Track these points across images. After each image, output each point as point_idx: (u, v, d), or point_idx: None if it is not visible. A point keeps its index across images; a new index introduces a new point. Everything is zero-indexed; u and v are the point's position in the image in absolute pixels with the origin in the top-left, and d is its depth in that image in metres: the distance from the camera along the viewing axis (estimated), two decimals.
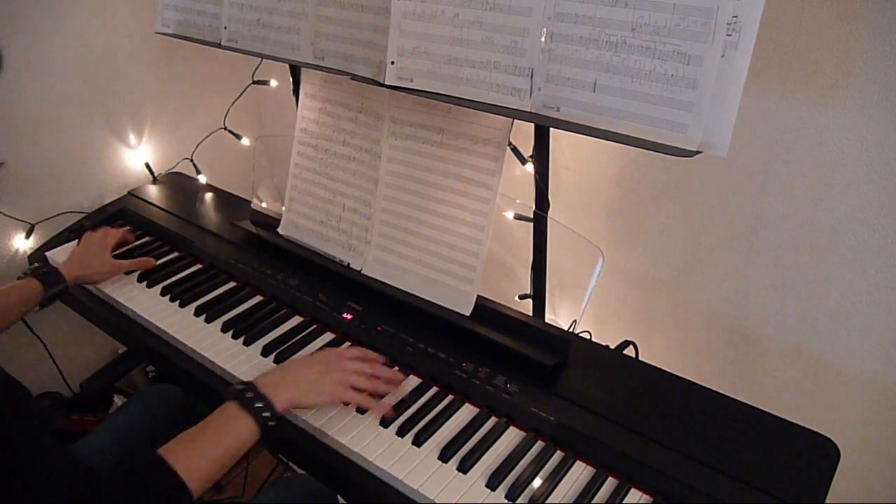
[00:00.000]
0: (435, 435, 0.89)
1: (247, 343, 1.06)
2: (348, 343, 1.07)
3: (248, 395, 0.81)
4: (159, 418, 1.19)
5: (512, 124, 0.98)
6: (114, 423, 1.17)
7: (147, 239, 1.38)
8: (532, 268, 1.17)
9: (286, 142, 1.29)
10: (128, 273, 1.24)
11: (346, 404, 0.92)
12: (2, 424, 0.63)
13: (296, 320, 1.12)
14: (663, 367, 0.99)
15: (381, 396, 0.93)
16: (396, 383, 0.95)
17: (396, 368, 1.00)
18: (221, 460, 0.77)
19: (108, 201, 1.55)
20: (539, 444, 0.88)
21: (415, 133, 1.09)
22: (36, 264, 1.16)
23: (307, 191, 1.25)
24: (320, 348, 1.05)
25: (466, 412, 0.93)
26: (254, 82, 1.55)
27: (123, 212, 1.47)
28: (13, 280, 1.13)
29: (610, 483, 0.82)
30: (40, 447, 0.65)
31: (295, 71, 1.36)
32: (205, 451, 0.76)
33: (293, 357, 1.01)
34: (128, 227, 1.39)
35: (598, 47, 0.79)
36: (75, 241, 1.37)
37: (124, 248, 1.32)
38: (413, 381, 0.99)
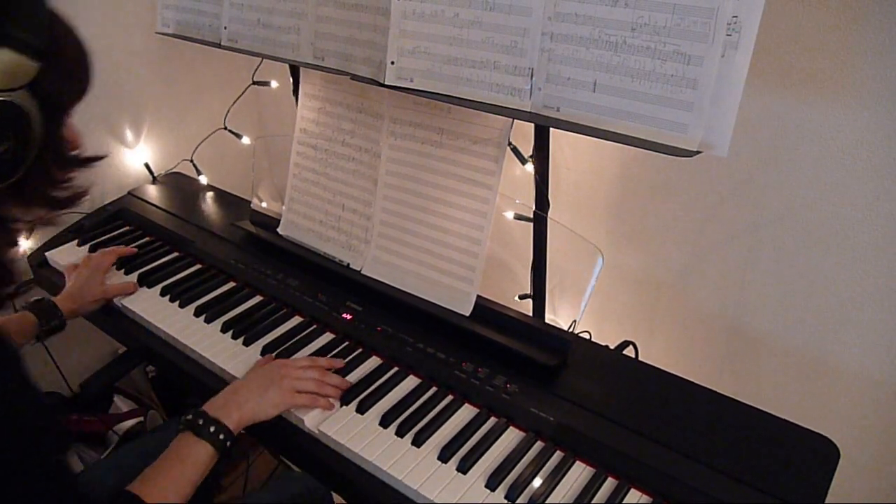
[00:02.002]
0: (434, 435, 0.89)
1: (247, 343, 1.06)
2: (349, 343, 1.07)
3: (199, 422, 0.84)
4: None
5: (512, 124, 0.98)
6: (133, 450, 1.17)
7: (147, 239, 1.38)
8: (532, 268, 1.17)
9: (286, 142, 1.29)
10: (127, 273, 1.24)
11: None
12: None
13: (295, 320, 1.12)
14: (663, 367, 0.99)
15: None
16: (341, 390, 0.96)
17: (396, 369, 1.01)
18: (187, 488, 0.80)
19: (107, 201, 1.55)
20: (539, 444, 0.88)
21: (414, 133, 1.09)
22: (35, 298, 1.15)
23: (307, 191, 1.25)
24: (311, 354, 1.04)
25: (466, 412, 0.93)
26: (254, 83, 1.55)
27: (123, 212, 1.47)
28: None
29: (610, 483, 0.82)
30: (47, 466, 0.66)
31: (295, 71, 1.36)
32: (171, 482, 0.79)
33: (246, 374, 0.99)
34: (118, 247, 1.33)
35: (598, 47, 0.79)
36: (75, 241, 1.37)
37: (121, 231, 1.31)
38: (413, 381, 0.99)
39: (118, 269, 1.27)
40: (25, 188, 0.70)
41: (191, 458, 0.82)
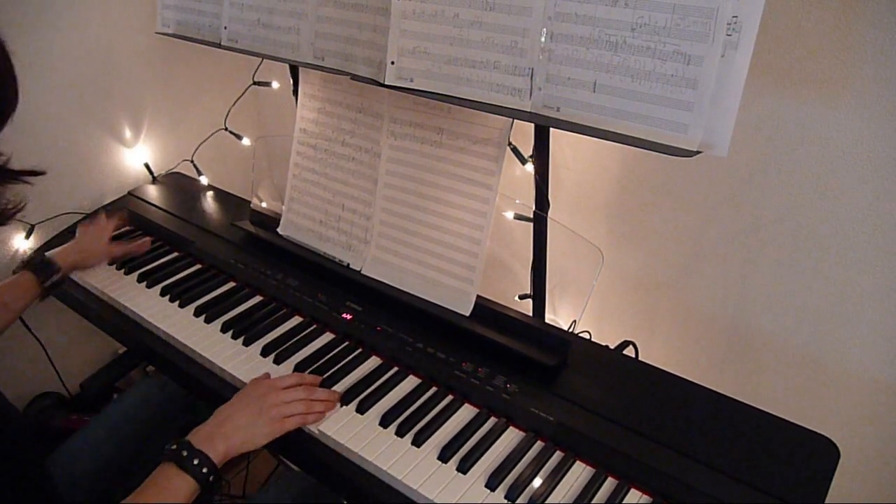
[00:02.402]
0: (434, 435, 0.89)
1: (246, 343, 1.06)
2: (349, 343, 1.07)
3: (182, 453, 0.81)
4: (157, 412, 1.19)
5: (512, 124, 0.98)
6: (109, 416, 1.17)
7: (147, 239, 1.38)
8: (532, 268, 1.17)
9: (286, 142, 1.29)
10: (127, 274, 1.24)
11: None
12: None
13: (295, 320, 1.12)
14: (663, 367, 0.99)
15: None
16: (332, 403, 0.94)
17: (396, 369, 1.01)
18: None
19: (107, 201, 1.55)
20: (539, 444, 0.88)
21: (414, 133, 1.09)
22: (29, 255, 1.16)
23: (307, 191, 1.25)
24: (311, 354, 1.04)
25: (466, 412, 0.93)
26: (254, 83, 1.55)
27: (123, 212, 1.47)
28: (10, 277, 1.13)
29: (610, 483, 0.82)
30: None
31: (295, 71, 1.36)
32: None
33: (234, 397, 0.93)
34: (123, 211, 1.41)
35: (598, 47, 0.79)
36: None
37: (121, 231, 1.34)
38: (413, 381, 0.99)
39: (118, 268, 1.27)
40: None
41: (170, 491, 0.78)
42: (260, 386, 0.92)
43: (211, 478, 0.81)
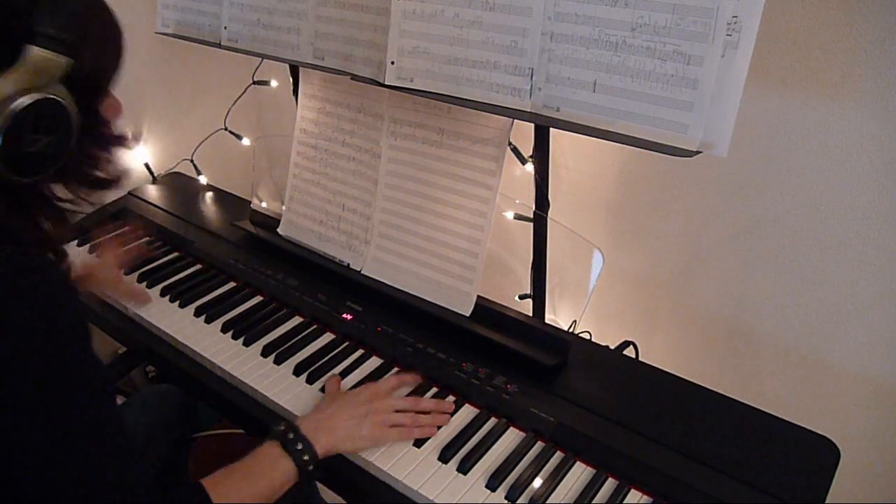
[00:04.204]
0: (435, 435, 0.89)
1: (247, 343, 1.06)
2: (349, 344, 1.06)
3: (290, 435, 0.81)
4: (158, 420, 1.19)
5: (512, 124, 0.98)
6: None
7: (147, 239, 1.37)
8: (532, 268, 1.17)
9: (286, 142, 1.29)
10: (127, 274, 1.24)
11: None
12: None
13: (296, 320, 1.12)
14: (663, 368, 0.99)
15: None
16: (445, 413, 0.91)
17: (396, 370, 1.00)
18: (255, 501, 0.76)
19: (108, 201, 1.54)
20: (539, 445, 0.88)
21: (414, 133, 1.09)
22: None
23: (307, 191, 1.25)
24: (311, 354, 1.04)
25: (466, 413, 0.93)
26: (254, 83, 1.55)
27: (123, 212, 1.47)
28: None
29: (610, 483, 0.82)
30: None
31: (295, 71, 1.36)
32: (241, 489, 0.75)
33: (339, 395, 0.93)
34: (146, 239, 1.34)
35: (598, 47, 0.79)
36: (75, 241, 1.37)
37: (143, 260, 1.28)
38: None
39: (118, 268, 1.27)
40: (67, 170, 0.70)
41: (269, 471, 0.77)
42: (366, 391, 0.91)
43: (310, 467, 0.80)
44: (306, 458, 0.80)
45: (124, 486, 0.65)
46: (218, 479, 0.75)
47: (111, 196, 1.56)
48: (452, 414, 0.92)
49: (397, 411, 0.89)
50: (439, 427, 0.89)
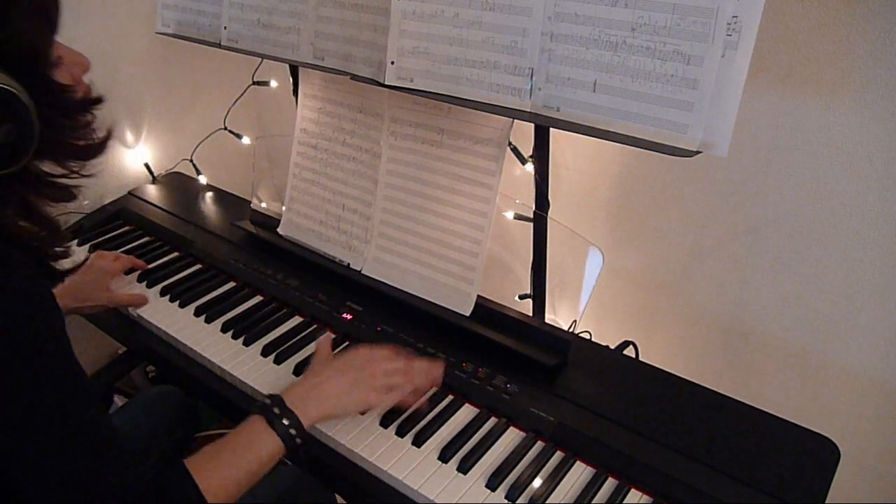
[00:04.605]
0: (435, 435, 0.89)
1: (247, 343, 1.06)
2: (349, 343, 1.06)
3: (275, 409, 0.79)
4: (159, 420, 1.19)
5: (512, 124, 0.98)
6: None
7: (147, 239, 1.38)
8: (532, 268, 1.17)
9: (286, 142, 1.29)
10: (127, 274, 1.24)
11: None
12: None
13: (296, 320, 1.12)
14: (663, 367, 0.99)
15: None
16: (437, 374, 0.91)
17: None
18: (243, 478, 0.75)
19: (107, 201, 1.54)
20: (539, 445, 0.88)
21: (415, 133, 1.09)
22: None
23: (307, 191, 1.25)
24: (312, 354, 1.04)
25: (466, 412, 0.93)
26: (254, 83, 1.55)
27: (123, 212, 1.47)
28: None
29: (610, 483, 0.82)
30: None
31: (295, 71, 1.36)
32: (227, 467, 0.74)
33: (330, 361, 0.91)
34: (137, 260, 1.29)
35: (598, 47, 0.79)
36: (75, 241, 1.37)
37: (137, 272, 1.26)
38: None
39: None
40: (47, 148, 0.66)
41: (255, 448, 0.76)
42: (357, 356, 0.89)
43: (297, 440, 0.79)
44: (293, 431, 0.78)
45: (124, 487, 0.65)
46: (204, 457, 0.74)
47: (111, 196, 1.57)
48: (452, 414, 0.92)
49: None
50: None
